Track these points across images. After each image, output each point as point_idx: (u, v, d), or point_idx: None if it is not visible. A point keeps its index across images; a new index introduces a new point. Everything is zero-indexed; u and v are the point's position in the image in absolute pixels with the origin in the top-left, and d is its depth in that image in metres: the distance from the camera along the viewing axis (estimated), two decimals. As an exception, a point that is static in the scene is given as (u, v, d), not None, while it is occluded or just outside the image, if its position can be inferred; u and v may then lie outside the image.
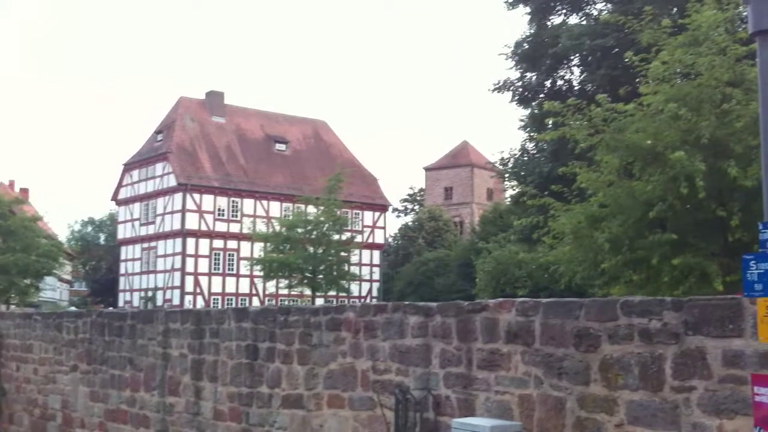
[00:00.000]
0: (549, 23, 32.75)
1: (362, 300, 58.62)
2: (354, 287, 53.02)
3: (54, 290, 71.43)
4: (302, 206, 46.79)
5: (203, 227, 60.03)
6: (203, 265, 59.82)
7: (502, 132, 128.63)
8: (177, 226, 59.76)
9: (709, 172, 11.29)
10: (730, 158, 11.44)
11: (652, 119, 12.36)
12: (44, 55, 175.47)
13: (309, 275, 41.78)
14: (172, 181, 60.21)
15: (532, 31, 32.64)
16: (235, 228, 60.67)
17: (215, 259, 60.36)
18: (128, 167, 66.02)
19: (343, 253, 43.90)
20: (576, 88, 30.95)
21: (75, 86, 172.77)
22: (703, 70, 12.10)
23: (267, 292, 56.66)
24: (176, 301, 57.91)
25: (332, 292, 45.03)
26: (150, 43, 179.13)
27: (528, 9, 32.75)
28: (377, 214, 68.59)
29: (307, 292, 44.13)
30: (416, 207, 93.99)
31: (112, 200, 68.81)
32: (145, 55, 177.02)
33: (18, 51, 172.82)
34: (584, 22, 31.49)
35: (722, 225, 11.91)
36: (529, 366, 8.43)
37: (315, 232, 41.74)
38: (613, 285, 13.76)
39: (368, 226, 67.11)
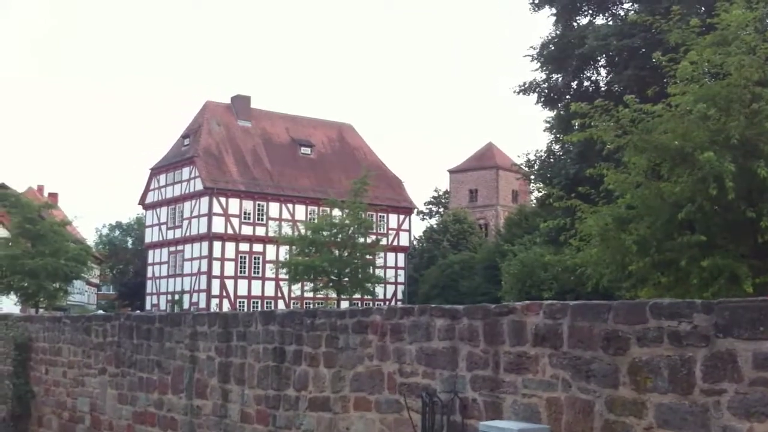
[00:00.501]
0: (575, 24, 32.59)
1: (387, 303, 58.63)
2: (379, 290, 53.05)
3: (82, 294, 72.13)
4: (327, 209, 46.98)
5: (229, 231, 60.34)
6: (229, 269, 60.13)
7: (527, 134, 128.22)
8: (203, 229, 60.12)
9: (738, 173, 11.16)
10: (760, 158, 11.31)
11: (680, 120, 12.24)
12: (44, 55, 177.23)
13: (334, 278, 41.87)
14: (198, 185, 60.60)
15: (557, 32, 32.49)
16: (260, 231, 60.93)
17: (241, 263, 60.65)
18: (155, 171, 66.53)
19: (368, 256, 43.98)
20: (603, 89, 30.76)
21: (93, 89, 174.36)
22: (732, 70, 11.96)
23: (292, 296, 56.85)
24: (203, 305, 58.26)
25: (357, 295, 45.09)
26: (176, 48, 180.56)
27: (554, 10, 32.59)
28: (402, 216, 68.59)
29: (333, 295, 44.22)
30: (441, 209, 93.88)
31: (139, 204, 69.44)
32: (172, 60, 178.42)
33: (18, 51, 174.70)
34: (611, 23, 31.31)
35: (752, 226, 11.76)
36: (557, 369, 8.37)
37: (340, 235, 41.83)
38: (640, 287, 13.62)
39: (393, 229, 67.14)
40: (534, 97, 32.50)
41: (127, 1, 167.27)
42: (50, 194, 75.89)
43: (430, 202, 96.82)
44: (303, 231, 45.55)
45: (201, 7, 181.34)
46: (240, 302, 59.76)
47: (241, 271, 60.56)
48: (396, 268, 65.56)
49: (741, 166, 11.32)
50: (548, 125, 32.86)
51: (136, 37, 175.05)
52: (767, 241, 11.78)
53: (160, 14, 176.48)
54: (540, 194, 34.64)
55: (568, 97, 30.70)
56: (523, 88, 32.50)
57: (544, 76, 32.42)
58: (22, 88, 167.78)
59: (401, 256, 67.24)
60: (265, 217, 61.48)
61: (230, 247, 60.23)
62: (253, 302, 59.97)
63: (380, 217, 63.01)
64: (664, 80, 14.00)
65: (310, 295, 50.30)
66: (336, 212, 45.17)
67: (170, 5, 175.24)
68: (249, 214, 61.43)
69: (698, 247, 11.66)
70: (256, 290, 60.78)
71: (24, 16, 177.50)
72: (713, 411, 7.01)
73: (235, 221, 60.70)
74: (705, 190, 11.27)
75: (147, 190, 67.44)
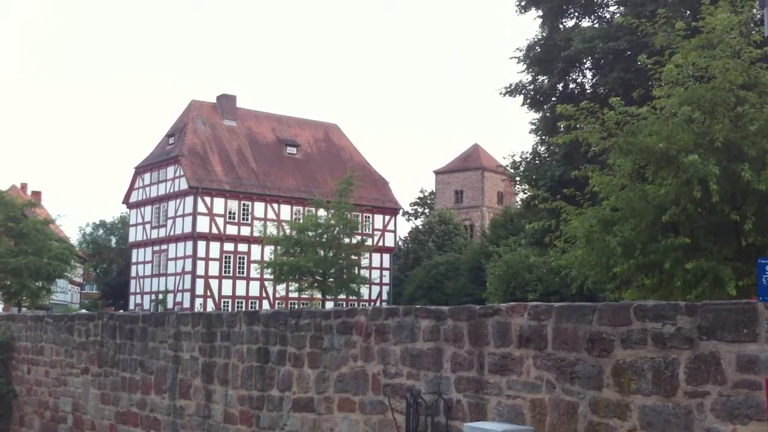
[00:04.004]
0: (561, 26, 32.64)
1: (372, 303, 58.58)
2: (364, 290, 53.02)
3: (65, 293, 71.72)
4: (313, 209, 46.84)
5: (214, 230, 60.11)
6: (214, 268, 59.89)
7: (513, 135, 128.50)
8: (188, 229, 59.86)
9: (722, 176, 11.21)
10: (744, 162, 11.37)
11: (665, 122, 12.28)
12: (44, 55, 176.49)
13: (319, 278, 41.81)
14: (183, 185, 60.34)
15: (544, 34, 32.54)
16: (245, 231, 60.74)
17: (226, 262, 60.42)
18: (140, 170, 66.21)
19: (353, 257, 43.93)
20: (588, 91, 30.81)
21: (76, 87, 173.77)
22: (717, 73, 12.02)
23: (277, 296, 56.70)
24: (187, 304, 58.00)
25: (342, 296, 45.01)
26: (162, 46, 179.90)
27: (540, 12, 32.65)
28: (388, 217, 68.54)
29: (318, 295, 44.14)
30: (427, 210, 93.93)
31: (123, 203, 69.06)
32: (157, 58, 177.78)
33: (18, 51, 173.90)
34: (597, 25, 31.38)
35: (736, 229, 11.82)
36: (541, 370, 8.38)
37: (325, 236, 41.77)
38: (625, 289, 13.67)
39: (379, 230, 67.07)
40: (520, 98, 32.52)
41: (112, 1, 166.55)
42: (33, 192, 75.41)
43: (415, 203, 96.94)
44: (288, 231, 45.43)
45: (187, 6, 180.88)
46: (224, 302, 59.52)
47: (225, 271, 60.33)
48: (381, 268, 65.50)
49: (725, 168, 11.38)
50: (534, 127, 32.92)
51: (121, 37, 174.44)
52: (751, 243, 11.84)
53: (146, 14, 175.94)
54: (525, 196, 34.63)
55: (553, 99, 30.74)
56: (509, 89, 32.51)
57: (530, 78, 32.45)
58: (18, 88, 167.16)
59: (386, 257, 67.19)
60: (250, 217, 61.29)
61: (215, 246, 60.00)
62: (238, 302, 59.76)
63: (366, 217, 62.96)
64: (650, 83, 14.05)
65: (295, 295, 50.25)
66: (321, 212, 45.10)
67: (156, 5, 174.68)
68: (234, 213, 61.21)
69: (682, 249, 11.71)
70: (240, 290, 60.56)
71: (24, 16, 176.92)
72: (696, 413, 7.03)
73: (220, 221, 60.47)
74: (689, 193, 11.31)
75: (131, 188, 67.08)
